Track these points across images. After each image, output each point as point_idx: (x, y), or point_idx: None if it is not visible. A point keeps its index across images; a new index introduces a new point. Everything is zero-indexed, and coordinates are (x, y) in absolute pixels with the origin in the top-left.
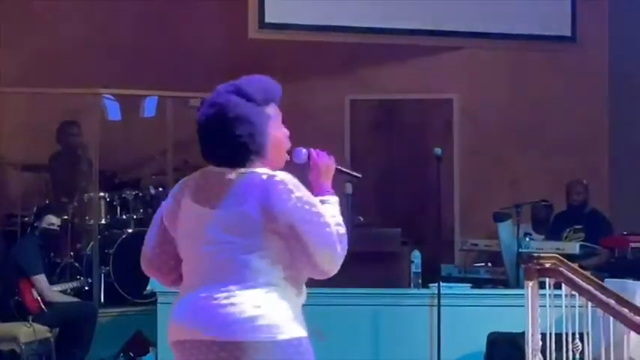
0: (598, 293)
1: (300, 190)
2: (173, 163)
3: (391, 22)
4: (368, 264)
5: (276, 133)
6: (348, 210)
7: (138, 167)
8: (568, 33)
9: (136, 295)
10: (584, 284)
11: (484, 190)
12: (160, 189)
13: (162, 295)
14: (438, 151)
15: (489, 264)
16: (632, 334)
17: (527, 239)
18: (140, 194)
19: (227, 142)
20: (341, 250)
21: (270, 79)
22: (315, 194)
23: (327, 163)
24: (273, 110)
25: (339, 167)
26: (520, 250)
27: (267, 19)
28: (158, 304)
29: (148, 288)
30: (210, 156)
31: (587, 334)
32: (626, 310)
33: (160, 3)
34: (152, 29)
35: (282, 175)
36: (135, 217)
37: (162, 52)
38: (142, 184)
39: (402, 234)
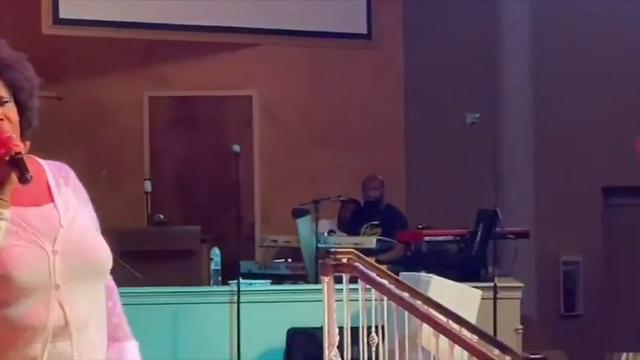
0: (392, 287)
1: None
2: None
3: (189, 18)
4: (167, 262)
5: None
6: (148, 208)
7: None
8: (364, 30)
9: None
10: (378, 278)
11: (284, 186)
12: None
13: None
14: (236, 148)
15: (289, 260)
16: (425, 325)
17: (326, 234)
18: None
19: None
20: None
21: None
22: None
23: None
24: None
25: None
26: (319, 245)
27: (62, 15)
28: None
29: None
30: None
31: (383, 327)
32: (419, 303)
33: None
34: None
35: None
36: None
37: None
38: None
39: (202, 231)
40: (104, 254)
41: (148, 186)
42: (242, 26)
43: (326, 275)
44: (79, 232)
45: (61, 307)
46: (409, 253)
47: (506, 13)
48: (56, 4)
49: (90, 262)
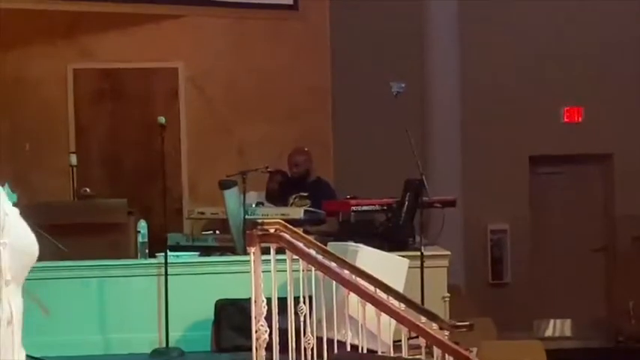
0: (319, 257)
1: None
2: None
3: None
4: (94, 235)
5: None
6: (73, 181)
7: None
8: (290, 1)
9: None
10: (305, 248)
11: (212, 158)
12: None
13: None
14: (161, 119)
15: (217, 232)
16: (353, 294)
17: (254, 206)
18: None
19: None
20: None
21: None
22: None
23: None
24: None
25: None
26: (247, 216)
27: None
28: None
29: None
30: None
31: (311, 298)
32: (346, 272)
33: None
34: None
35: None
36: None
37: None
38: None
39: (129, 204)
40: (36, 245)
41: (73, 159)
42: None
43: (252, 246)
44: (17, 220)
45: (9, 305)
46: (337, 224)
47: None
48: None
49: (29, 255)
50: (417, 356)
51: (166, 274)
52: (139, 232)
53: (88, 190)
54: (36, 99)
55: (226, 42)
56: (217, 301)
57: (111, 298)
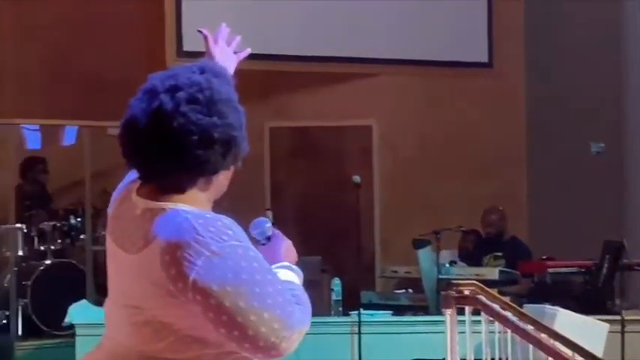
0: (515, 319)
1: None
2: (91, 192)
3: (308, 49)
4: None
5: None
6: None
7: (56, 197)
8: (485, 59)
9: (54, 328)
10: (501, 311)
11: (404, 216)
12: (79, 219)
13: (80, 327)
14: (356, 178)
15: (410, 290)
16: (551, 359)
17: (447, 265)
18: (58, 225)
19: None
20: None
21: None
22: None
23: (294, 256)
24: None
25: None
26: (440, 276)
27: (185, 48)
28: (77, 337)
29: (67, 320)
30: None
31: None
32: (544, 336)
33: (76, 30)
34: (67, 57)
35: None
36: (53, 247)
37: (80, 80)
38: (59, 214)
39: (322, 262)
40: None
41: (269, 216)
42: (360, 56)
43: (448, 308)
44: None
45: None
46: (533, 285)
47: (631, 40)
48: (180, 37)
49: None
50: None
51: (360, 333)
52: (333, 289)
53: None
54: None
55: (419, 100)
56: None
57: (305, 355)
